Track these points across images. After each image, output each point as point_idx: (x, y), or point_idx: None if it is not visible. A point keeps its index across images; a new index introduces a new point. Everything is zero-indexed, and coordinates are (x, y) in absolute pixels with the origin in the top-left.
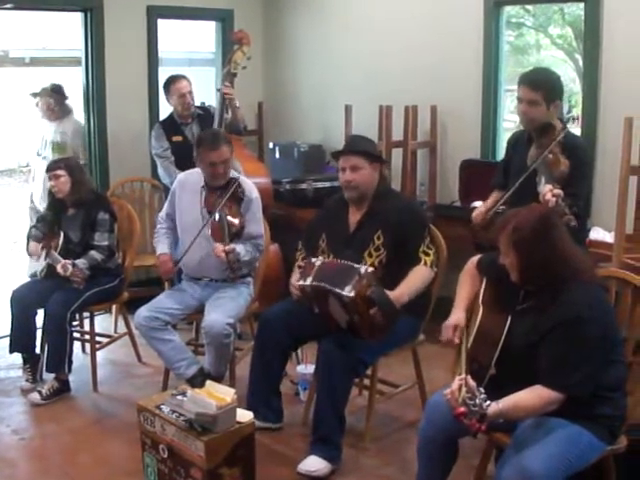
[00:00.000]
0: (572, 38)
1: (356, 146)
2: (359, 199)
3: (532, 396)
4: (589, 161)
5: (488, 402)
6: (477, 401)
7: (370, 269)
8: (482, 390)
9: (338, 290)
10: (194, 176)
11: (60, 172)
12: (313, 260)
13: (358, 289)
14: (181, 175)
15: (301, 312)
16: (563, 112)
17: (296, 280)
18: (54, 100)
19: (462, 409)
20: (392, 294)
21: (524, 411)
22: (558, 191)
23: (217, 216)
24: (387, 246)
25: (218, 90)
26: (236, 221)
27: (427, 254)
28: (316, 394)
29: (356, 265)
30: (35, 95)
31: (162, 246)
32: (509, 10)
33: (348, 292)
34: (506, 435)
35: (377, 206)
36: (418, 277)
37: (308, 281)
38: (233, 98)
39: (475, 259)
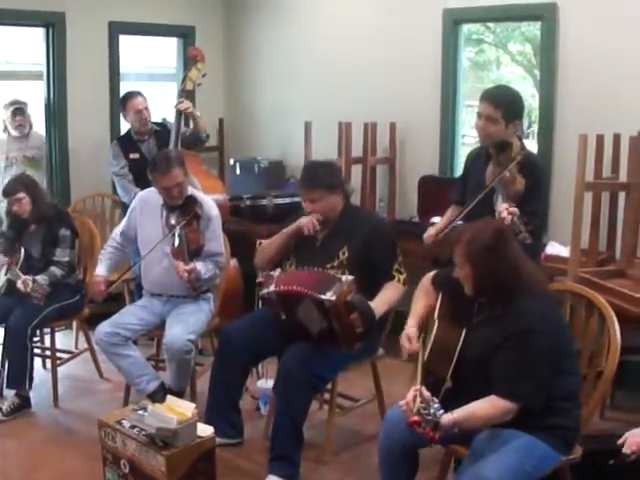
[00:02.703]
0: (532, 55)
1: (312, 179)
2: (324, 223)
3: (486, 406)
4: (546, 180)
5: (442, 411)
6: (431, 410)
7: (350, 277)
8: (436, 400)
9: (319, 295)
10: (154, 194)
11: (20, 195)
12: (271, 272)
13: (339, 294)
14: (142, 193)
15: (261, 328)
16: (523, 129)
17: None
18: (29, 115)
19: (416, 418)
20: (371, 303)
21: (479, 420)
22: (514, 209)
23: (177, 235)
24: (351, 262)
25: (174, 107)
26: (195, 238)
27: (400, 272)
28: (275, 411)
29: (336, 275)
30: (21, 110)
31: (101, 267)
32: (469, 27)
33: (329, 297)
34: (463, 447)
35: (342, 224)
36: (393, 292)
37: (272, 288)
38: (192, 111)
39: (430, 275)
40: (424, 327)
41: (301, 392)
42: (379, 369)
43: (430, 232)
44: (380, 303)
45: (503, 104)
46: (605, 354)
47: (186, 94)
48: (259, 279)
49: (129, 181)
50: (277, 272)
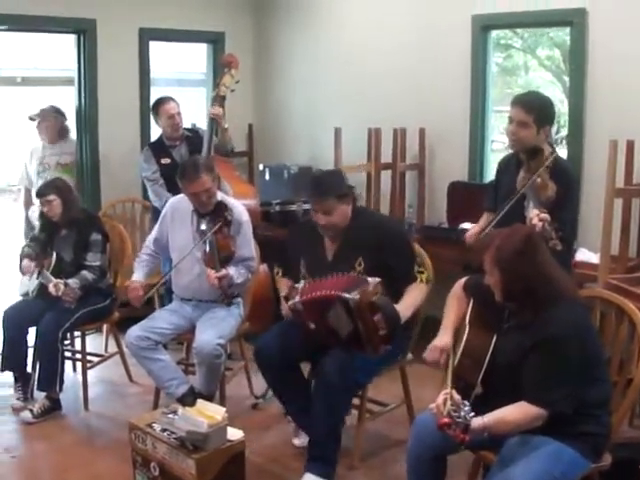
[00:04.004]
0: (560, 60)
1: (323, 189)
2: (336, 235)
3: (516, 411)
4: (577, 186)
5: (472, 414)
6: (462, 413)
7: (377, 279)
8: (467, 403)
9: (345, 294)
10: (185, 200)
11: (51, 197)
12: (296, 285)
13: (363, 294)
14: (172, 199)
15: (291, 334)
16: (552, 135)
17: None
18: (58, 122)
19: (446, 420)
20: (397, 307)
21: (508, 425)
22: (545, 215)
23: (207, 242)
24: (369, 271)
25: (208, 115)
26: (226, 245)
27: (422, 272)
28: (313, 414)
29: (363, 276)
30: (35, 118)
31: (138, 273)
32: (497, 32)
33: (354, 296)
34: (492, 453)
35: (352, 233)
36: (418, 293)
37: (297, 298)
38: (221, 120)
39: (462, 281)
40: (456, 333)
41: (341, 399)
42: (408, 374)
43: (473, 230)
44: (405, 306)
45: (535, 109)
46: (635, 361)
47: (219, 100)
48: (283, 293)
49: (161, 186)
50: (301, 284)
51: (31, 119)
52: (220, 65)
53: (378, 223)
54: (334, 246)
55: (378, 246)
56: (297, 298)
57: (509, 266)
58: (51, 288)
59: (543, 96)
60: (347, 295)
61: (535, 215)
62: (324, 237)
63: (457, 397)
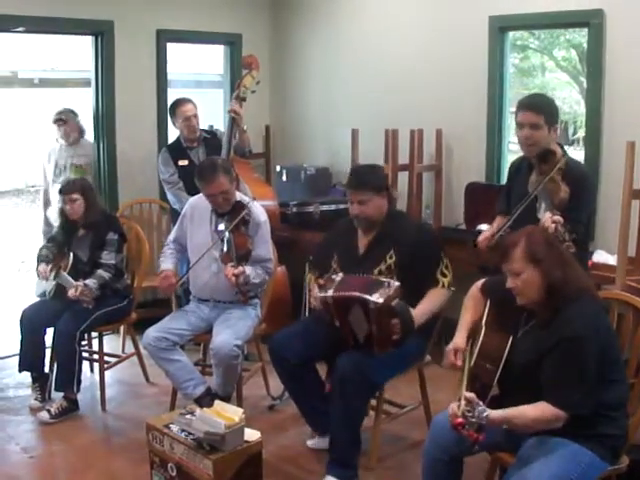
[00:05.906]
0: (577, 61)
1: (361, 180)
2: (369, 227)
3: (536, 409)
4: (590, 187)
5: (486, 413)
6: (475, 413)
7: (397, 283)
8: (481, 403)
9: (366, 296)
10: (204, 200)
11: (75, 196)
12: (333, 276)
13: (385, 297)
14: (192, 199)
15: (309, 332)
16: (568, 136)
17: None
18: (76, 123)
19: (460, 419)
20: (412, 312)
21: (528, 419)
22: (558, 218)
23: (225, 240)
24: (399, 266)
25: (228, 112)
26: (243, 243)
27: (444, 275)
28: (332, 415)
29: (384, 279)
30: (63, 120)
31: (166, 263)
32: (514, 33)
33: (376, 299)
34: (510, 455)
35: (388, 228)
36: (436, 299)
37: (330, 292)
38: (240, 120)
39: (479, 283)
40: (472, 335)
41: (358, 398)
42: (426, 376)
43: (486, 234)
44: (420, 313)
45: (543, 109)
46: None
47: (240, 101)
48: (320, 281)
49: (179, 188)
50: (339, 277)
51: (61, 120)
52: (241, 66)
53: (414, 226)
54: (367, 239)
55: (411, 245)
56: (330, 292)
57: (546, 256)
58: (71, 292)
59: (546, 96)
60: (369, 297)
61: (548, 217)
62: (358, 232)
63: (470, 396)
